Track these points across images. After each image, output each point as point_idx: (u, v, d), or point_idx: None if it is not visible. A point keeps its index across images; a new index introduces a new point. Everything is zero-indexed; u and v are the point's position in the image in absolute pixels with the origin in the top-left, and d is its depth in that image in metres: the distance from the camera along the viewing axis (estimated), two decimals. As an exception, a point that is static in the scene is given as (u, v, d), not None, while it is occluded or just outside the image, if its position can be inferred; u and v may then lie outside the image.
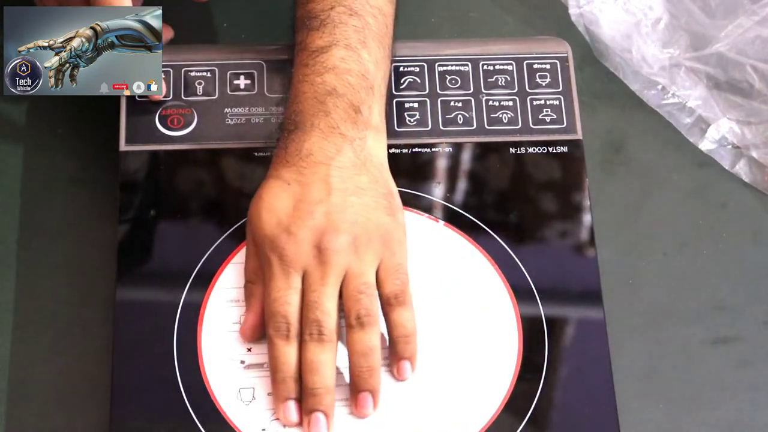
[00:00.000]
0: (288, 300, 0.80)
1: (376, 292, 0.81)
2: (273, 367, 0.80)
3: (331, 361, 0.80)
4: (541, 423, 0.81)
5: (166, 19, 0.88)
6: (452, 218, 0.88)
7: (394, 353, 0.82)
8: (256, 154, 0.90)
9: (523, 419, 0.81)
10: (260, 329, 0.82)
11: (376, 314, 0.81)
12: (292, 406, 0.79)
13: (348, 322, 0.80)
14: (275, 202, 0.82)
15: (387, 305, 0.82)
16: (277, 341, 0.80)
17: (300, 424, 0.80)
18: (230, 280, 0.85)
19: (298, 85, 0.86)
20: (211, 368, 0.82)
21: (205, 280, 0.85)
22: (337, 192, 0.82)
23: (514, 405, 0.82)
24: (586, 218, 0.89)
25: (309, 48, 0.86)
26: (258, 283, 0.83)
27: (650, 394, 0.86)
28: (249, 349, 0.83)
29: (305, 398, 0.79)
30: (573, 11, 0.98)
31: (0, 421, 0.83)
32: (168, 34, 0.93)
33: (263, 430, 0.81)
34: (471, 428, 0.81)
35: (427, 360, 0.83)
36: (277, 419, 0.80)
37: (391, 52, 0.89)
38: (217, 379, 0.82)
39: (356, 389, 0.80)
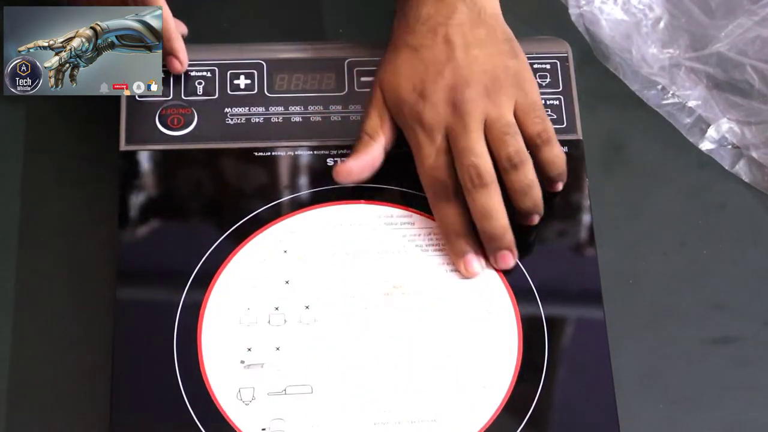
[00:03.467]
0: (439, 162, 0.84)
1: (519, 131, 0.85)
2: (443, 229, 0.85)
3: (499, 201, 0.83)
4: (541, 423, 0.81)
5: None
6: (452, 218, 0.88)
7: (551, 189, 0.86)
8: (256, 154, 0.90)
9: (523, 419, 0.81)
10: (355, 176, 0.87)
11: (525, 151, 0.84)
12: (472, 260, 0.84)
13: (501, 166, 0.84)
14: (407, 69, 0.86)
15: (533, 146, 0.85)
16: (440, 204, 0.84)
17: (482, 271, 0.84)
18: (230, 280, 0.85)
19: None
20: (211, 368, 0.82)
21: (205, 280, 0.85)
22: (460, 48, 0.86)
23: (514, 405, 0.82)
24: (586, 218, 0.89)
25: None
26: (377, 140, 0.87)
27: (650, 394, 0.86)
28: (249, 349, 0.83)
29: (488, 242, 0.84)
30: (573, 11, 0.98)
31: (0, 421, 0.83)
32: (182, 29, 0.93)
33: (263, 430, 0.81)
34: (471, 428, 0.81)
35: (427, 360, 0.83)
36: (460, 273, 0.84)
37: None
38: (217, 379, 0.82)
39: (530, 214, 0.84)
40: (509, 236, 0.84)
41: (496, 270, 0.85)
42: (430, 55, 0.86)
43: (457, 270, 0.85)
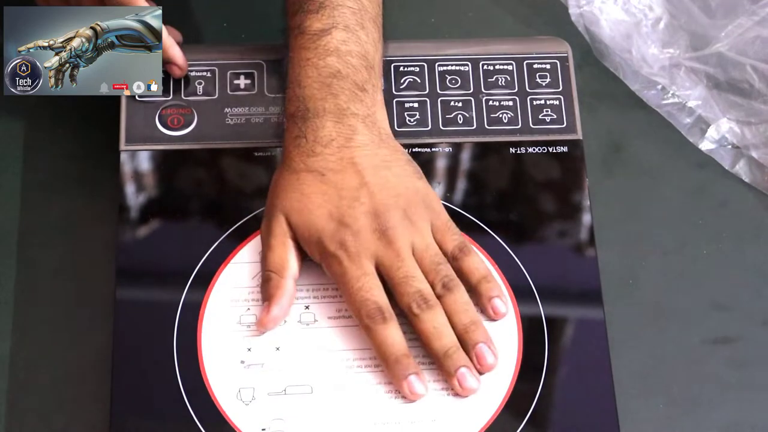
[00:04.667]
0: (371, 285, 0.82)
1: (446, 259, 0.84)
2: (382, 353, 0.81)
3: (446, 321, 0.82)
4: (541, 423, 0.81)
5: (166, 19, 0.88)
6: (452, 218, 0.88)
7: (480, 297, 0.84)
8: (256, 154, 0.90)
9: (523, 419, 0.81)
10: (280, 320, 0.83)
11: (455, 276, 0.83)
12: (415, 381, 0.81)
13: (437, 293, 0.82)
14: (318, 196, 0.83)
15: (454, 260, 0.84)
16: (376, 327, 0.81)
17: (425, 393, 0.81)
18: (230, 280, 0.85)
19: (301, 69, 0.86)
20: (211, 368, 0.82)
21: (205, 280, 0.85)
22: (369, 171, 0.84)
23: (514, 405, 0.82)
24: (586, 218, 0.89)
25: (308, 31, 0.87)
26: (285, 275, 0.83)
27: (650, 394, 0.86)
28: (249, 349, 0.83)
29: (443, 363, 0.81)
30: (573, 11, 0.98)
31: (0, 421, 0.83)
32: (176, 37, 0.93)
33: (263, 430, 0.81)
34: (471, 428, 0.81)
35: (427, 360, 0.83)
36: (404, 397, 0.81)
37: (382, 33, 0.90)
38: (217, 379, 0.82)
39: (471, 344, 0.82)
40: (463, 353, 0.81)
41: (457, 392, 0.81)
42: (340, 180, 0.83)
43: (401, 394, 0.81)
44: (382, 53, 0.89)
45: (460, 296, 0.82)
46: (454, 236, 0.84)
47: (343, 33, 0.86)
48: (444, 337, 0.81)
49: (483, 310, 0.84)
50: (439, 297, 0.82)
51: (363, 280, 0.82)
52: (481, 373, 0.81)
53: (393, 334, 0.81)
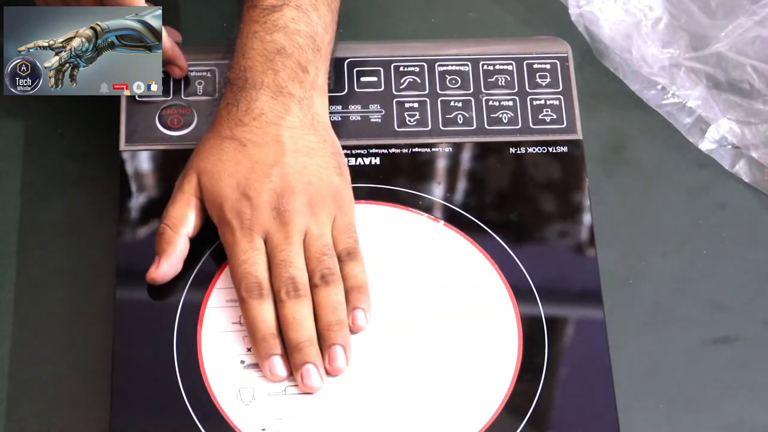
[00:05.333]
0: (256, 260, 0.82)
1: (335, 252, 0.84)
2: (251, 328, 0.81)
3: (310, 315, 0.82)
4: (541, 423, 0.81)
5: (166, 19, 0.88)
6: (452, 218, 0.88)
7: (348, 303, 0.83)
8: (256, 154, 0.90)
9: (523, 419, 0.81)
10: (170, 275, 0.84)
11: (338, 272, 0.83)
12: (278, 361, 0.81)
13: (312, 282, 0.82)
14: (232, 164, 0.84)
15: (340, 261, 0.84)
16: (251, 302, 0.82)
17: (287, 377, 0.81)
18: (230, 280, 0.85)
19: (247, 41, 0.87)
20: (211, 368, 0.82)
21: (205, 280, 0.85)
22: (290, 153, 0.84)
23: (514, 405, 0.82)
24: (586, 218, 0.89)
25: (260, 5, 0.87)
26: (177, 231, 0.84)
27: (650, 394, 0.86)
28: (249, 349, 0.83)
29: (292, 355, 0.81)
30: (573, 11, 0.98)
31: (0, 421, 0.83)
32: (176, 37, 0.93)
33: (263, 430, 0.81)
34: (471, 428, 0.81)
35: (427, 360, 0.83)
36: (264, 377, 0.81)
37: (338, 17, 0.90)
38: (217, 379, 0.82)
39: (328, 343, 0.81)
40: (315, 350, 0.81)
41: (298, 386, 0.81)
42: (258, 154, 0.84)
43: (262, 374, 0.81)
44: (334, 38, 0.89)
45: (335, 293, 0.82)
46: (349, 239, 0.84)
47: (294, 11, 0.87)
48: (301, 330, 0.81)
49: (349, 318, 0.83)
50: (313, 287, 0.82)
51: (250, 253, 0.82)
52: (328, 374, 0.81)
53: (265, 312, 0.81)
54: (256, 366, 0.82)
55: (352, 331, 0.83)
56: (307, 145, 0.85)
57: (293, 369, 0.81)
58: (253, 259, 0.82)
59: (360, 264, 0.84)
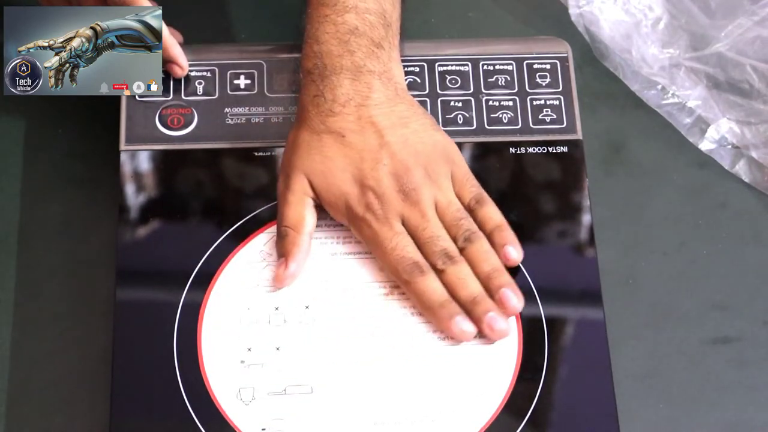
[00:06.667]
0: (404, 244, 0.84)
1: (467, 213, 0.85)
2: (426, 302, 0.83)
3: (470, 272, 0.84)
4: (541, 423, 0.81)
5: (166, 19, 0.88)
6: (452, 218, 0.88)
7: (494, 245, 0.85)
8: (256, 154, 0.90)
9: (523, 419, 0.81)
10: (297, 276, 0.85)
11: (477, 228, 0.85)
12: (462, 319, 0.83)
13: (459, 245, 0.84)
14: (340, 159, 0.85)
15: (471, 211, 0.86)
16: (416, 280, 0.83)
17: (475, 334, 0.83)
18: (230, 280, 0.85)
19: (319, 25, 0.87)
20: (211, 368, 0.82)
21: (205, 280, 0.85)
22: (388, 130, 0.85)
23: (514, 405, 0.82)
24: (586, 218, 0.89)
25: None
26: (302, 231, 0.85)
27: (650, 394, 0.86)
28: (249, 349, 0.83)
29: (472, 310, 0.83)
30: (573, 11, 0.98)
31: (0, 420, 0.83)
32: (176, 37, 0.93)
33: (263, 430, 0.81)
34: (471, 428, 0.81)
35: (427, 359, 0.83)
36: (451, 338, 0.83)
37: None
38: (217, 379, 0.82)
39: (494, 290, 0.83)
40: (489, 300, 0.83)
41: (489, 336, 0.83)
42: (360, 141, 0.85)
43: (449, 336, 0.83)
44: (401, 13, 0.90)
45: (481, 246, 0.84)
46: (472, 188, 0.86)
47: None
48: (469, 287, 0.83)
49: (499, 256, 0.85)
50: (462, 250, 0.84)
51: (395, 240, 0.84)
52: (507, 316, 0.83)
53: (433, 284, 0.83)
54: (256, 366, 0.82)
55: (508, 266, 0.85)
56: (399, 116, 0.86)
57: (477, 323, 0.83)
58: (401, 244, 0.84)
59: (490, 205, 0.86)
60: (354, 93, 0.85)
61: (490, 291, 0.83)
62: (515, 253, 0.85)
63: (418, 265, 0.83)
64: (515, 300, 0.83)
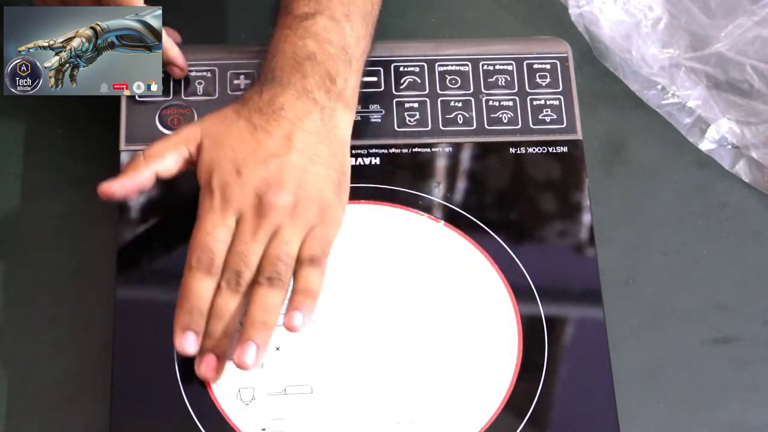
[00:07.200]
0: (220, 237, 0.82)
1: (293, 264, 0.82)
2: (184, 296, 0.81)
3: (238, 312, 0.81)
4: (541, 423, 0.81)
5: (166, 19, 0.88)
6: (452, 218, 0.88)
7: (291, 303, 0.81)
8: (256, 154, 0.90)
9: (523, 419, 0.81)
10: (116, 196, 0.84)
11: (287, 281, 0.81)
12: (192, 338, 0.80)
13: (257, 279, 0.81)
14: (238, 140, 0.84)
15: (299, 264, 0.82)
16: (197, 274, 0.81)
17: (190, 356, 0.81)
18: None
19: (278, 44, 0.87)
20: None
21: (205, 280, 0.85)
22: (296, 153, 0.83)
23: (514, 405, 0.82)
24: (586, 218, 0.89)
25: (294, 12, 0.87)
26: (150, 164, 0.84)
27: (650, 394, 0.86)
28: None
29: (204, 339, 0.81)
30: (573, 11, 0.98)
31: (0, 420, 0.83)
32: (176, 38, 0.93)
33: (263, 430, 0.81)
34: (471, 428, 0.81)
35: (427, 359, 0.83)
36: (174, 345, 0.81)
37: (374, 30, 0.90)
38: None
39: (245, 338, 0.80)
40: (226, 345, 0.81)
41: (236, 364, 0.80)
42: (265, 141, 0.83)
43: (173, 341, 0.81)
44: (367, 52, 0.89)
45: (273, 297, 0.81)
46: (318, 248, 0.83)
47: (327, 21, 0.86)
48: (221, 321, 0.80)
49: (284, 315, 0.81)
50: (256, 284, 0.81)
51: (219, 228, 0.82)
52: (237, 366, 0.80)
53: (205, 289, 0.81)
54: (256, 366, 0.82)
55: (287, 329, 0.81)
56: (314, 153, 0.84)
57: (199, 351, 0.81)
58: (218, 236, 0.81)
59: (320, 273, 0.82)
60: (290, 108, 0.84)
61: (242, 334, 0.80)
62: (300, 322, 0.80)
63: (211, 263, 0.81)
64: (251, 360, 0.79)
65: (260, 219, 0.82)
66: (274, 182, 0.82)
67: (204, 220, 0.82)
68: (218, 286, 0.81)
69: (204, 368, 0.81)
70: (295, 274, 0.82)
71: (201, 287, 0.81)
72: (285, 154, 0.83)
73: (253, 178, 0.82)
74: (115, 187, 0.84)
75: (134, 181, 0.84)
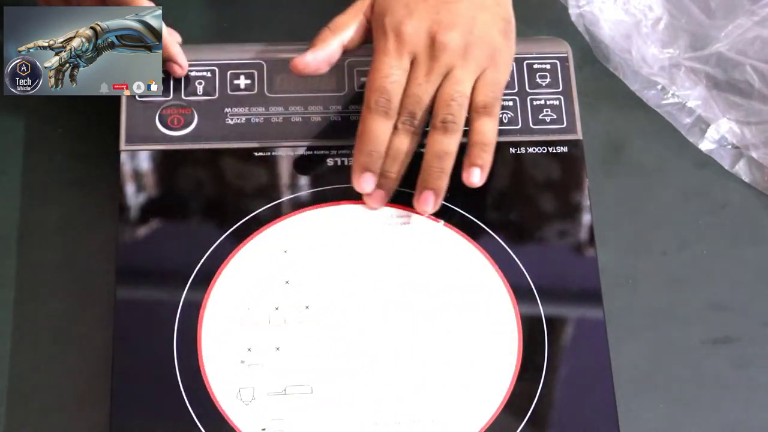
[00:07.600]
0: (396, 78, 0.85)
1: (467, 104, 0.85)
2: (363, 138, 0.85)
3: (411, 152, 0.85)
4: (541, 423, 0.82)
5: (166, 19, 0.88)
6: (452, 218, 0.88)
7: (468, 158, 0.85)
8: (256, 154, 0.90)
9: (523, 419, 0.81)
10: (312, 69, 0.87)
11: (461, 124, 0.85)
12: (370, 178, 0.85)
13: (433, 123, 0.85)
14: None
15: (474, 112, 0.86)
16: (376, 116, 0.85)
17: (371, 190, 0.86)
18: (230, 280, 0.85)
19: None
20: (211, 368, 0.82)
21: (205, 280, 0.85)
22: (465, 2, 0.86)
23: (514, 405, 0.82)
24: (586, 218, 0.89)
25: None
26: (336, 34, 0.87)
27: (650, 394, 0.86)
28: (249, 349, 0.83)
29: (379, 178, 0.85)
30: (573, 11, 0.98)
31: (0, 420, 0.83)
32: (176, 38, 0.93)
33: (263, 429, 0.81)
34: (471, 428, 0.81)
35: (427, 359, 0.83)
36: (353, 184, 0.86)
37: None
38: (217, 379, 0.82)
39: (423, 186, 0.85)
40: (396, 185, 0.85)
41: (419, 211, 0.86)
42: None
43: (351, 181, 0.85)
44: None
45: (448, 142, 0.85)
46: (491, 93, 0.86)
47: None
48: (397, 163, 0.85)
49: (462, 170, 0.85)
50: (432, 128, 0.85)
51: (395, 70, 0.85)
52: (417, 211, 0.85)
53: (383, 131, 0.85)
54: (256, 366, 0.82)
55: (466, 185, 0.85)
56: (481, 2, 0.87)
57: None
58: (393, 77, 0.84)
59: (493, 121, 0.85)
60: None
61: (419, 181, 0.85)
62: (478, 179, 0.85)
63: (388, 105, 0.84)
64: (430, 206, 0.85)
65: (433, 61, 0.85)
66: (446, 24, 0.85)
67: (380, 62, 0.85)
68: (395, 128, 0.84)
69: (373, 200, 0.86)
70: (469, 124, 0.85)
71: (379, 129, 0.84)
72: (454, 1, 0.86)
73: (425, 20, 0.85)
74: (308, 59, 0.87)
75: (325, 53, 0.87)
